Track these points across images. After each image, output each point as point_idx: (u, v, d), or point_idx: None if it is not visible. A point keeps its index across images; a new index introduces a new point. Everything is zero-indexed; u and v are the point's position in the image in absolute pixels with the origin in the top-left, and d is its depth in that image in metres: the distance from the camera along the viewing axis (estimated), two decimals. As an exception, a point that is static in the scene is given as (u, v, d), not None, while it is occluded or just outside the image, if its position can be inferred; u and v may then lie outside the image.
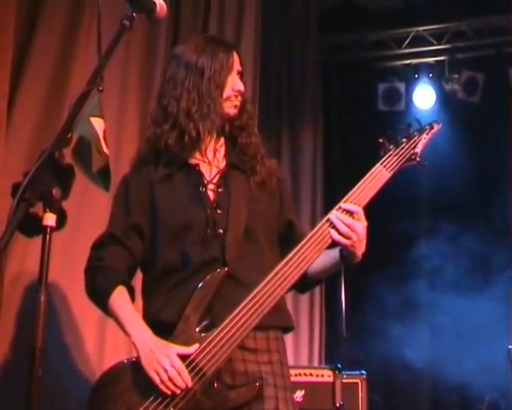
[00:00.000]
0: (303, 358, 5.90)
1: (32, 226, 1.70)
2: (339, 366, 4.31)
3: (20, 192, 1.62)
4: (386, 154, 2.38)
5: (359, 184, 2.31)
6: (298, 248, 2.23)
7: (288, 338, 5.11)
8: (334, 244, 2.28)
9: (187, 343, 2.16)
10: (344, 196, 2.29)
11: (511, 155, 5.80)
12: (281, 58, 6.52)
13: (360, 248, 2.28)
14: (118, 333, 3.49)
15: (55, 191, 1.69)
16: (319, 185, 6.39)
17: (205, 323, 2.19)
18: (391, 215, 5.75)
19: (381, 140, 2.41)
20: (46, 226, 1.69)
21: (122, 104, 3.96)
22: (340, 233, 2.23)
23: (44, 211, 1.70)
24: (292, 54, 6.58)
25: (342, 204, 2.27)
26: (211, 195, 2.37)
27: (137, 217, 2.36)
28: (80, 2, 3.71)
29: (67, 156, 1.96)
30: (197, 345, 2.15)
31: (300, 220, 2.69)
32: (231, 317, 2.16)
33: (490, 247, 5.62)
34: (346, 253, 2.31)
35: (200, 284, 2.21)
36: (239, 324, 2.15)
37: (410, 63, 6.87)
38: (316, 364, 5.89)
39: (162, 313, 2.25)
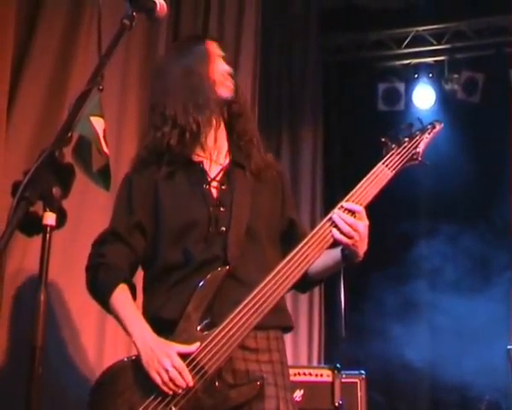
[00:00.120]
0: (302, 357, 5.90)
1: (31, 225, 1.69)
2: (338, 365, 4.31)
3: (21, 191, 1.62)
4: (388, 153, 2.38)
5: (361, 183, 2.31)
6: (299, 247, 2.23)
7: (288, 338, 5.12)
8: (335, 244, 2.28)
9: (188, 342, 2.16)
10: (345, 196, 2.30)
11: (511, 156, 5.80)
12: (281, 58, 6.52)
13: (362, 248, 2.28)
14: (117, 332, 3.50)
15: (55, 190, 1.69)
16: (319, 185, 6.39)
17: (206, 322, 2.19)
18: (391, 215, 5.75)
19: (383, 139, 2.41)
20: (46, 225, 1.69)
21: (122, 104, 3.96)
22: (341, 232, 2.23)
23: (44, 210, 1.70)
24: (292, 54, 6.58)
25: (344, 203, 2.27)
26: (214, 192, 2.37)
27: (140, 215, 2.36)
28: (80, 1, 3.71)
29: (68, 155, 1.96)
30: (198, 344, 2.15)
31: (300, 219, 2.69)
32: (232, 316, 2.16)
33: (490, 247, 5.62)
34: (347, 252, 2.31)
35: (201, 283, 2.21)
36: (240, 323, 2.15)
37: (409, 63, 6.87)
38: (315, 363, 5.89)
39: (163, 311, 2.25)
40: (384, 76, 6.84)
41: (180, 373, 2.12)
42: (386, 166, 2.35)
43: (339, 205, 2.27)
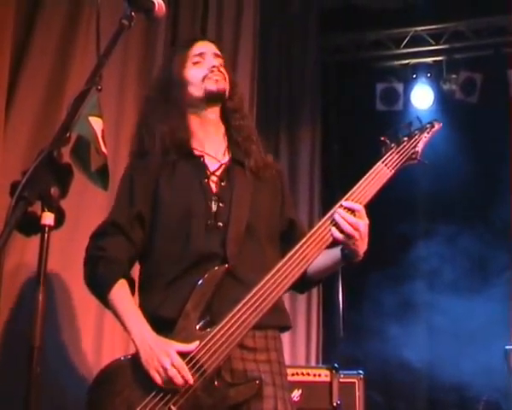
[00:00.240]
0: (300, 357, 5.90)
1: (30, 225, 1.69)
2: (336, 365, 4.31)
3: (19, 191, 1.62)
4: (387, 152, 2.39)
5: (361, 182, 2.32)
6: (298, 246, 2.24)
7: (286, 338, 5.13)
8: (334, 243, 2.28)
9: (187, 340, 2.16)
10: (343, 196, 2.30)
11: (510, 156, 5.80)
12: (280, 58, 6.52)
13: (362, 247, 2.29)
14: (115, 332, 3.50)
15: (54, 190, 1.69)
16: (317, 185, 6.39)
17: (205, 320, 2.19)
18: (390, 216, 5.74)
19: (382, 138, 2.42)
20: (44, 225, 1.69)
21: (120, 104, 3.96)
22: (343, 232, 2.23)
23: (43, 210, 1.69)
24: (291, 54, 6.58)
25: (344, 202, 2.27)
26: (213, 187, 2.38)
27: (140, 206, 2.36)
28: (79, 1, 3.71)
29: (66, 155, 1.96)
30: (198, 342, 2.16)
31: (300, 219, 2.69)
32: (231, 315, 2.16)
33: (488, 248, 5.62)
34: (347, 251, 2.32)
35: (200, 281, 2.21)
36: (239, 322, 2.16)
37: (408, 63, 6.87)
38: (313, 363, 5.89)
39: (162, 309, 2.25)
40: (382, 76, 6.83)
41: (180, 372, 2.12)
42: (386, 165, 2.36)
43: (338, 204, 2.27)
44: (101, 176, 2.46)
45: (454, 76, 6.59)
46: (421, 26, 6.63)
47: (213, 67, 2.47)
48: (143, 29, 4.18)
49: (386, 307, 5.71)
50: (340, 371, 4.30)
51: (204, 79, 2.46)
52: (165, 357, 2.13)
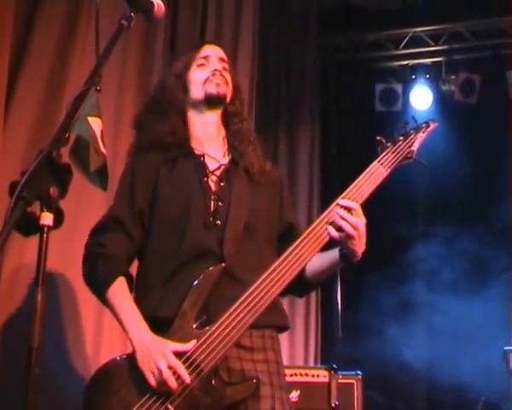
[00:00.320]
0: (299, 358, 5.90)
1: (29, 225, 1.69)
2: (334, 366, 4.31)
3: (18, 191, 1.62)
4: (383, 151, 2.40)
5: (357, 181, 2.32)
6: (294, 245, 2.24)
7: (284, 338, 5.13)
8: (331, 242, 2.28)
9: (184, 340, 2.16)
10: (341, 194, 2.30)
11: (510, 156, 5.81)
12: (279, 58, 6.53)
13: (361, 247, 2.29)
14: (114, 331, 3.50)
15: (53, 191, 1.69)
16: (316, 186, 6.39)
17: (202, 319, 2.19)
18: (389, 216, 5.75)
19: (378, 138, 2.43)
20: (43, 226, 1.69)
21: (119, 105, 3.96)
22: (339, 230, 2.23)
23: (42, 210, 1.69)
24: (290, 54, 6.59)
25: (340, 200, 2.28)
26: (212, 186, 2.39)
27: (142, 203, 2.37)
28: (78, 2, 3.71)
29: (65, 156, 1.96)
30: (194, 341, 2.15)
31: (299, 223, 2.69)
32: (228, 314, 2.16)
33: (488, 249, 5.62)
34: (346, 251, 2.31)
35: (196, 281, 2.20)
36: (235, 321, 2.16)
37: (407, 64, 6.88)
38: (311, 364, 5.90)
39: (159, 310, 2.25)
40: (382, 76, 6.84)
41: (176, 371, 2.12)
42: (382, 164, 2.37)
43: (335, 202, 2.28)
44: (101, 176, 2.46)
45: (453, 77, 6.60)
46: (421, 27, 6.64)
47: (215, 70, 2.49)
48: (143, 29, 4.18)
49: (385, 308, 5.71)
50: (339, 372, 4.30)
51: (205, 81, 2.48)
52: (161, 358, 2.13)
